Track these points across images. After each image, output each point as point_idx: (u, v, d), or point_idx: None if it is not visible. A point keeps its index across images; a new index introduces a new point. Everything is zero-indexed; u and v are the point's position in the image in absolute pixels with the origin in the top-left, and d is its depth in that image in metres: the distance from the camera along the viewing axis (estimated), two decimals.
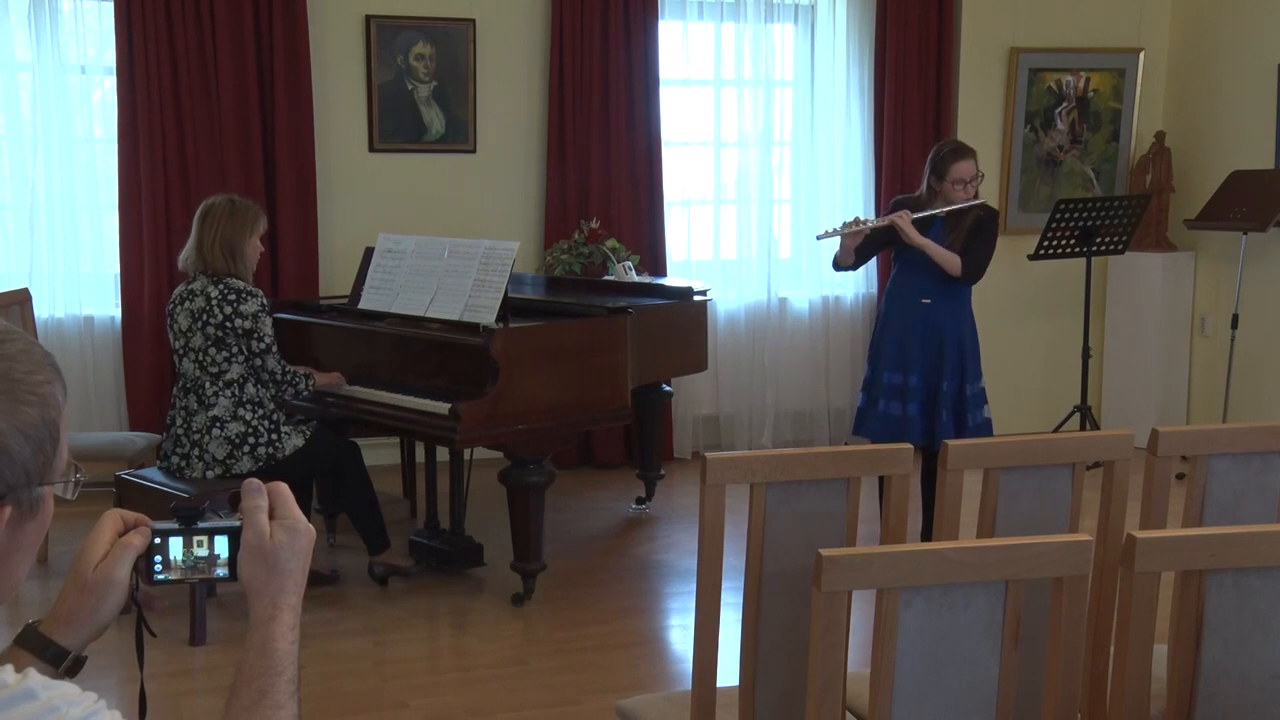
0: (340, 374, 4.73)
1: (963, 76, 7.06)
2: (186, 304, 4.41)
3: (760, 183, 6.86)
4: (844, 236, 4.81)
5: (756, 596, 2.45)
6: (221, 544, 1.37)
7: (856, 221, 4.85)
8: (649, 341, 4.98)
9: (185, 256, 4.49)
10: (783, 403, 7.00)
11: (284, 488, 1.39)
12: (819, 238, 5.02)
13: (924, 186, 4.88)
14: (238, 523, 1.36)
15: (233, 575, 1.37)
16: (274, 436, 4.42)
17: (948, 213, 4.79)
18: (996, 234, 4.90)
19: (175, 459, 4.43)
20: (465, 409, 4.25)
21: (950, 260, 4.75)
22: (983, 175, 4.85)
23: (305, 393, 4.55)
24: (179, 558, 1.37)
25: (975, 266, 4.81)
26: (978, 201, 4.81)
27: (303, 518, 1.38)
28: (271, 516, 1.37)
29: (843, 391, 6.97)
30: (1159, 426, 2.72)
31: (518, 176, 6.59)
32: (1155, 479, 2.70)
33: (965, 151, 4.82)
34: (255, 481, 1.37)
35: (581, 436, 6.27)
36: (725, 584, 2.54)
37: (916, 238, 4.73)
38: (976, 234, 4.81)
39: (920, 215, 4.76)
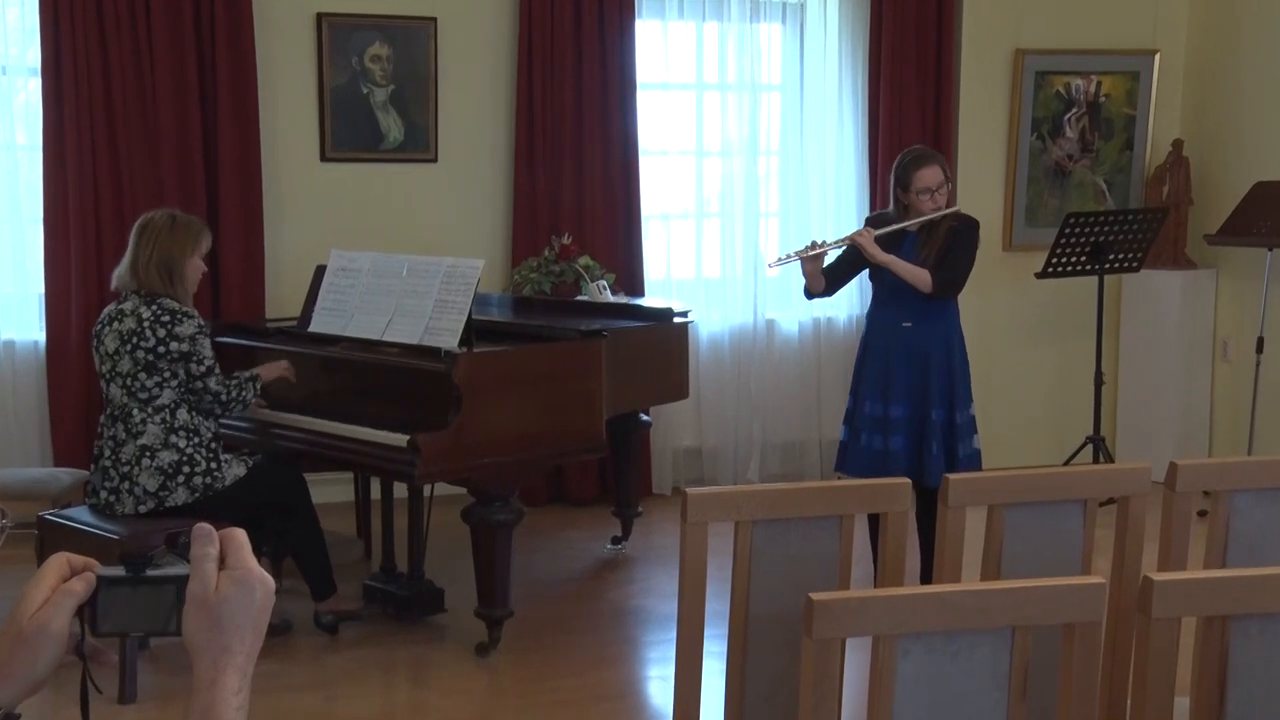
0: (288, 362, 4.72)
1: (964, 80, 7.10)
2: (115, 325, 4.39)
3: (745, 195, 6.89)
4: (802, 262, 4.81)
5: (742, 644, 2.45)
6: (168, 595, 1.35)
7: (813, 245, 4.84)
8: (625, 367, 4.98)
9: (119, 275, 4.47)
10: (770, 434, 7.00)
11: (240, 535, 1.37)
12: (771, 266, 5.03)
13: (892, 201, 4.89)
14: (187, 572, 1.35)
15: (178, 630, 1.35)
16: (212, 465, 4.39)
17: (918, 226, 4.79)
18: (975, 244, 4.87)
19: (104, 494, 4.40)
20: (425, 441, 4.23)
21: (918, 276, 4.74)
22: (949, 181, 4.84)
23: (256, 396, 4.55)
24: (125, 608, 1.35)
25: (948, 281, 4.78)
26: (949, 210, 4.81)
27: (257, 569, 1.35)
28: (223, 566, 1.35)
29: (836, 422, 6.90)
30: (1178, 459, 2.73)
31: (483, 188, 6.59)
32: (1174, 516, 2.71)
33: (927, 158, 4.81)
34: (205, 527, 1.35)
35: (552, 470, 6.25)
36: (708, 631, 2.54)
37: (879, 255, 4.73)
38: (952, 246, 4.79)
39: (885, 230, 4.77)
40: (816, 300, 5.09)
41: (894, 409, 4.81)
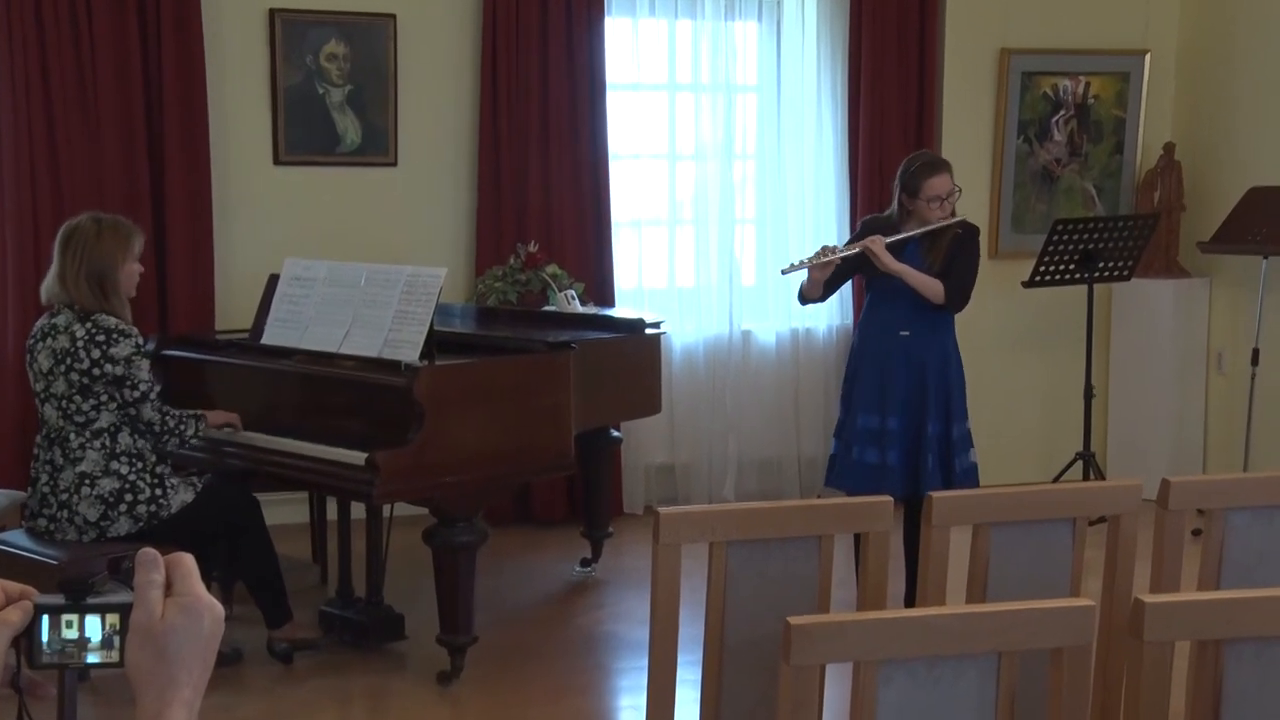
0: (237, 414, 4.69)
1: (947, 81, 7.14)
2: (48, 341, 4.34)
3: (721, 201, 6.90)
4: (811, 269, 4.84)
5: (717, 671, 2.45)
6: (112, 624, 1.34)
7: (824, 251, 4.87)
8: (595, 381, 4.98)
9: (47, 288, 4.40)
10: (747, 450, 7.01)
11: (187, 560, 1.36)
12: (784, 272, 5.05)
13: (894, 206, 4.92)
14: (130, 600, 1.34)
15: (121, 661, 1.34)
16: (157, 492, 4.36)
17: (924, 234, 4.83)
18: (979, 253, 4.95)
19: (43, 520, 4.36)
20: (384, 459, 4.22)
21: (932, 287, 4.79)
22: (960, 190, 4.90)
23: (195, 438, 4.49)
24: (67, 638, 1.34)
25: (960, 292, 4.86)
26: (956, 219, 4.86)
27: (206, 596, 1.34)
28: (169, 593, 1.34)
29: (815, 437, 6.99)
30: (1171, 476, 2.75)
31: (445, 193, 6.58)
32: (1167, 536, 2.73)
33: (939, 165, 4.87)
34: (150, 552, 1.34)
35: (518, 490, 6.24)
36: (681, 658, 2.54)
37: (892, 264, 4.77)
38: (957, 255, 4.85)
39: (895, 239, 4.80)
40: (799, 308, 5.12)
41: (890, 421, 4.84)
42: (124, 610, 1.34)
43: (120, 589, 1.36)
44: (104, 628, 1.34)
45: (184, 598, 1.33)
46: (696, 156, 6.91)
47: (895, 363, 4.87)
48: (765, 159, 7.02)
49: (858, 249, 4.82)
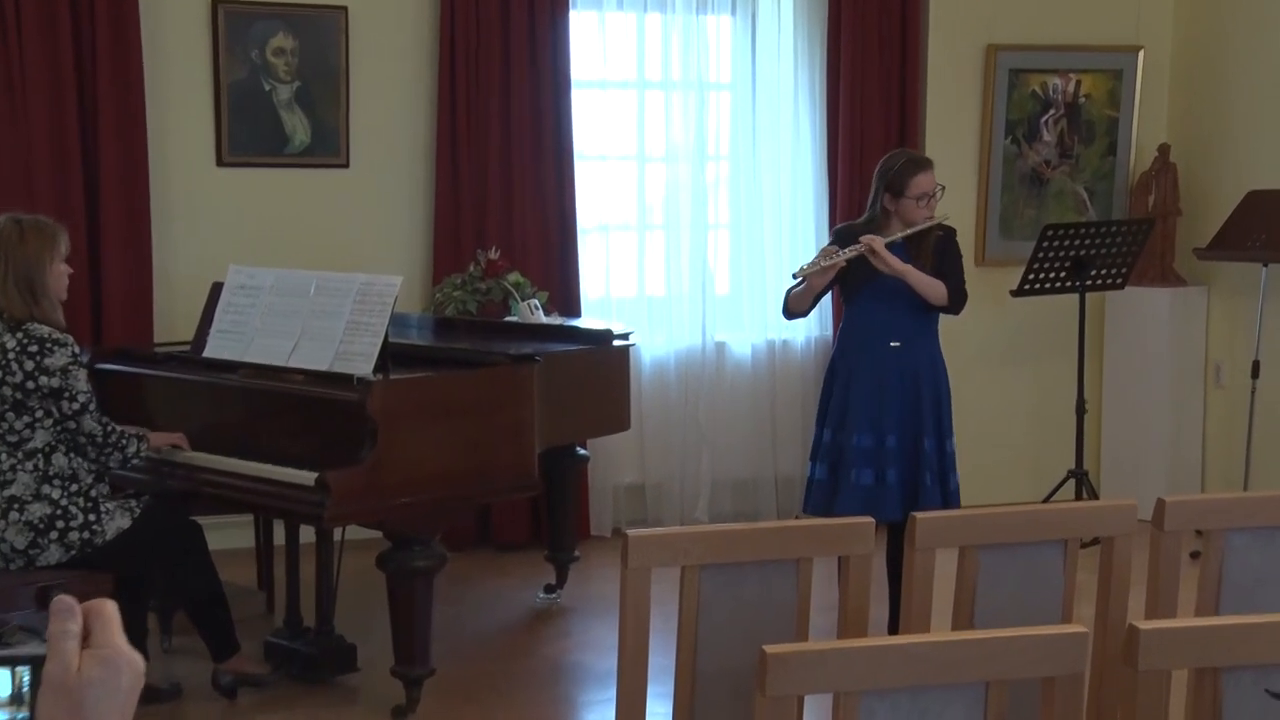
0: (183, 434, 4.66)
1: (931, 79, 7.18)
2: None
3: (693, 205, 6.92)
4: (811, 277, 4.83)
5: (689, 704, 2.45)
6: (22, 678, 1.32)
7: (826, 253, 4.82)
8: (560, 396, 4.98)
9: None
10: (721, 469, 7.01)
11: (108, 608, 1.34)
12: (799, 276, 4.90)
13: (874, 208, 4.93)
14: (43, 652, 1.31)
15: (32, 718, 1.32)
16: (90, 518, 4.32)
17: (909, 237, 4.85)
18: (962, 254, 5.00)
19: None
20: (335, 479, 4.21)
21: (935, 287, 4.81)
22: (943, 188, 4.93)
23: (136, 458, 4.47)
24: None
25: (961, 291, 4.90)
26: (938, 220, 4.89)
27: (126, 648, 1.32)
28: (86, 644, 1.32)
29: (793, 455, 7.00)
30: (1167, 495, 2.77)
31: (400, 197, 6.57)
32: (1163, 558, 2.74)
33: (923, 162, 4.91)
34: (66, 600, 1.32)
35: (478, 511, 6.23)
36: (652, 689, 2.54)
37: (896, 264, 4.77)
38: (944, 256, 4.89)
39: (890, 239, 4.81)
40: (775, 319, 5.12)
41: (889, 438, 4.84)
42: (35, 663, 1.31)
43: (31, 639, 1.34)
44: (13, 682, 1.32)
45: (102, 650, 1.29)
46: (667, 158, 6.92)
47: (889, 376, 4.87)
48: (740, 161, 7.04)
49: (860, 250, 4.80)
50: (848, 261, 4.79)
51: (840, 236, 4.97)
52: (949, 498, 4.84)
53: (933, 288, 4.82)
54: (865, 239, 4.80)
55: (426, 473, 4.41)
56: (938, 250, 4.88)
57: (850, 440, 4.89)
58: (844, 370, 4.97)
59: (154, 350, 5.41)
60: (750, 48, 7.00)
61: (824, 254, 4.87)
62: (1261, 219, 6.56)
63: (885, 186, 4.87)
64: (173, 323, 6.08)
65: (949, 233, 4.95)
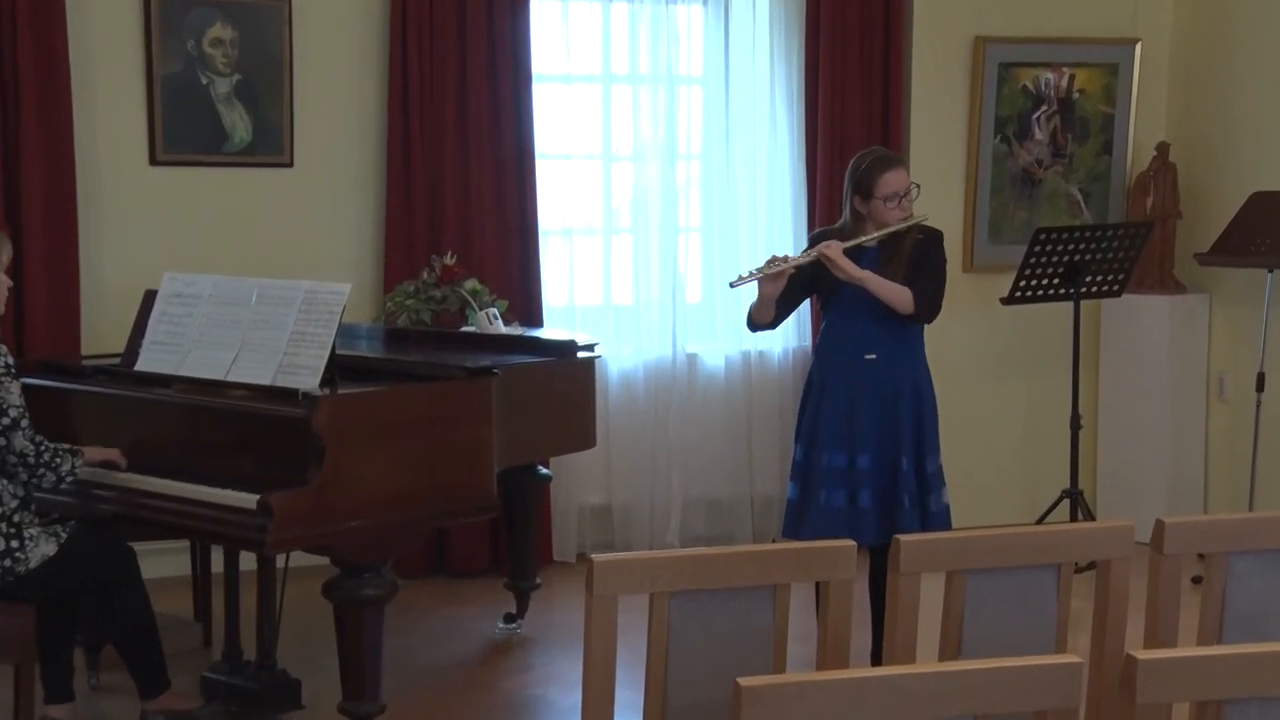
0: (119, 451, 4.64)
1: (916, 73, 7.21)
2: None
3: (662, 207, 6.93)
4: (762, 282, 4.83)
5: None
6: None
7: (774, 261, 4.85)
8: (521, 411, 4.98)
9: None
10: (693, 489, 7.02)
11: None
12: (733, 285, 5.00)
13: (846, 212, 4.94)
14: None
15: None
16: (13, 544, 4.29)
17: (881, 239, 4.85)
18: (945, 259, 4.98)
19: None
20: (279, 501, 4.19)
21: (899, 294, 4.80)
22: (918, 187, 4.93)
23: (71, 476, 4.45)
24: None
25: (931, 299, 4.86)
26: (915, 220, 4.89)
27: None
28: None
29: (770, 474, 7.01)
30: (1167, 516, 2.78)
31: (348, 198, 6.56)
32: (1163, 583, 2.76)
33: (892, 160, 4.91)
34: None
35: (433, 536, 6.22)
36: None
37: (854, 270, 4.76)
38: (922, 261, 4.86)
39: (851, 244, 4.82)
40: (747, 330, 5.10)
41: (861, 458, 4.84)
42: None
43: None
44: None
45: None
46: (635, 157, 6.93)
47: (863, 391, 4.87)
48: (712, 160, 7.05)
49: (813, 256, 4.82)
50: (797, 268, 4.81)
51: (818, 240, 4.97)
52: (930, 520, 4.83)
53: (896, 295, 4.79)
54: (820, 245, 4.81)
55: (377, 494, 4.39)
56: (916, 254, 4.86)
57: (821, 459, 4.89)
58: (818, 384, 4.98)
59: (81, 363, 5.38)
60: (723, 39, 7.01)
61: (771, 261, 4.87)
62: (1266, 222, 6.59)
63: (854, 188, 4.88)
64: (102, 334, 6.05)
65: (932, 235, 4.93)
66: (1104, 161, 7.50)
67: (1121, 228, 6.64)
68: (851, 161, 4.97)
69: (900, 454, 4.85)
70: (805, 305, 6.37)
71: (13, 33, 5.94)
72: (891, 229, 4.82)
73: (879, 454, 4.85)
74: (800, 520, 4.90)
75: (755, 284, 4.82)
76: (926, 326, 5.00)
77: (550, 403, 5.32)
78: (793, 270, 4.82)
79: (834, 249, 4.76)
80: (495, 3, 6.52)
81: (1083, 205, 7.50)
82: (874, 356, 4.87)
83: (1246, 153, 7.10)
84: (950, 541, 2.62)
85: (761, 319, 4.96)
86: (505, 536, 6.02)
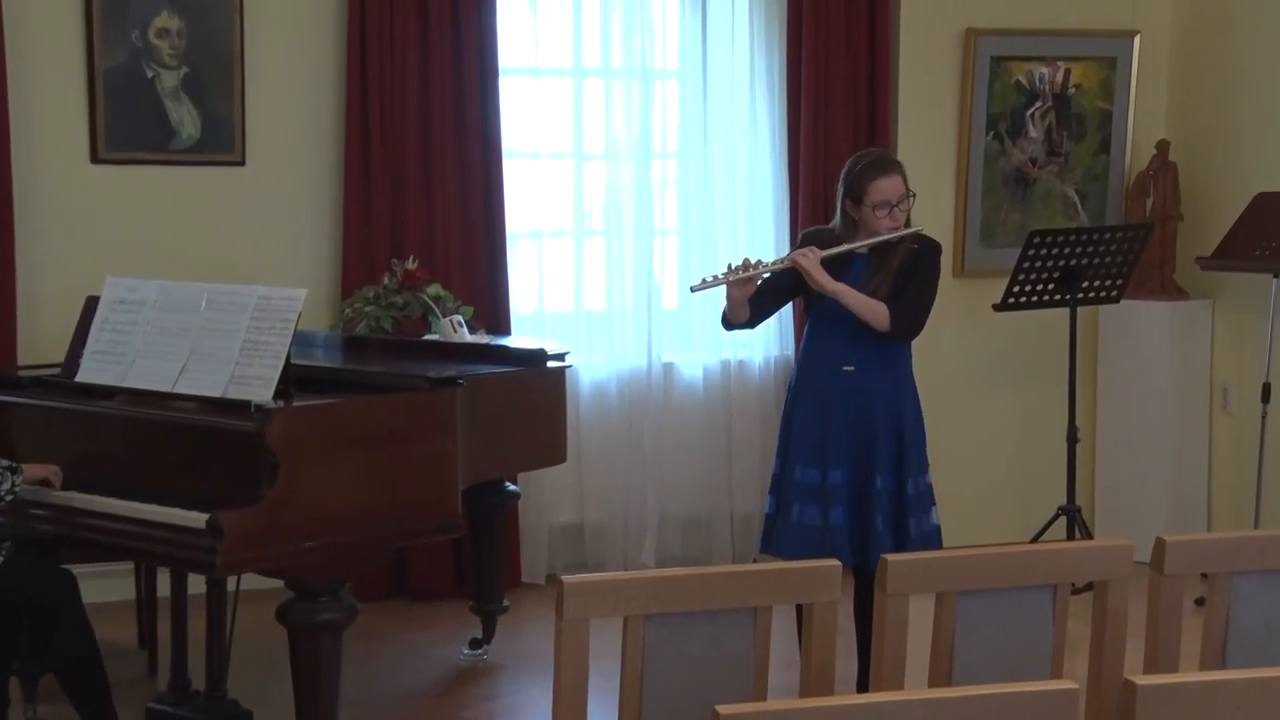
0: (58, 467, 4.62)
1: (903, 67, 7.22)
2: None
3: (637, 208, 6.93)
4: (729, 286, 4.85)
5: None
6: None
7: (745, 265, 4.85)
8: (487, 424, 4.98)
9: None
10: (669, 506, 7.02)
11: None
12: (694, 289, 5.03)
13: (838, 216, 4.95)
14: None
15: None
16: None
17: (871, 247, 4.86)
18: (938, 273, 4.97)
19: None
20: (229, 521, 4.18)
21: (874, 310, 4.80)
22: (914, 195, 4.93)
23: (12, 495, 4.43)
24: None
25: (909, 317, 4.86)
26: (909, 230, 4.89)
27: None
28: None
29: (750, 490, 7.01)
30: (1168, 535, 2.79)
31: (304, 198, 6.55)
32: (1163, 605, 2.77)
33: (888, 165, 4.90)
34: None
35: (394, 557, 6.21)
36: None
37: (827, 283, 4.77)
38: (912, 274, 4.86)
39: (832, 252, 4.82)
40: (729, 335, 5.12)
41: (833, 474, 4.84)
42: None
43: None
44: None
45: None
46: (607, 155, 6.94)
47: (837, 403, 4.86)
48: (689, 158, 7.06)
49: (787, 263, 4.82)
50: (771, 274, 4.82)
51: (805, 242, 4.98)
52: (911, 545, 4.80)
53: (871, 311, 4.78)
54: (797, 252, 4.82)
55: (334, 513, 4.38)
56: (907, 266, 4.86)
57: (794, 473, 4.90)
58: (796, 395, 4.99)
59: (18, 374, 5.36)
60: (701, 31, 7.02)
61: (743, 265, 4.87)
62: (1272, 224, 6.61)
63: (846, 191, 4.89)
64: (39, 343, 6.03)
65: (927, 247, 4.92)
66: (1101, 161, 7.53)
67: (1120, 230, 6.66)
68: (848, 162, 4.97)
69: (875, 472, 4.85)
70: (788, 312, 6.40)
71: None
72: (882, 238, 4.82)
73: (853, 470, 4.85)
74: (774, 535, 4.92)
75: (724, 287, 4.84)
76: (918, 336, 4.99)
77: (518, 415, 5.32)
78: (764, 276, 4.83)
79: (810, 258, 4.77)
80: None
81: (1079, 206, 7.52)
82: (851, 368, 4.87)
83: (1251, 151, 7.13)
84: (940, 561, 2.63)
85: (736, 319, 4.96)
86: (471, 557, 6.00)
